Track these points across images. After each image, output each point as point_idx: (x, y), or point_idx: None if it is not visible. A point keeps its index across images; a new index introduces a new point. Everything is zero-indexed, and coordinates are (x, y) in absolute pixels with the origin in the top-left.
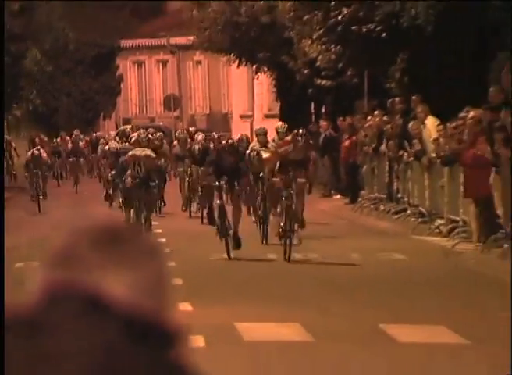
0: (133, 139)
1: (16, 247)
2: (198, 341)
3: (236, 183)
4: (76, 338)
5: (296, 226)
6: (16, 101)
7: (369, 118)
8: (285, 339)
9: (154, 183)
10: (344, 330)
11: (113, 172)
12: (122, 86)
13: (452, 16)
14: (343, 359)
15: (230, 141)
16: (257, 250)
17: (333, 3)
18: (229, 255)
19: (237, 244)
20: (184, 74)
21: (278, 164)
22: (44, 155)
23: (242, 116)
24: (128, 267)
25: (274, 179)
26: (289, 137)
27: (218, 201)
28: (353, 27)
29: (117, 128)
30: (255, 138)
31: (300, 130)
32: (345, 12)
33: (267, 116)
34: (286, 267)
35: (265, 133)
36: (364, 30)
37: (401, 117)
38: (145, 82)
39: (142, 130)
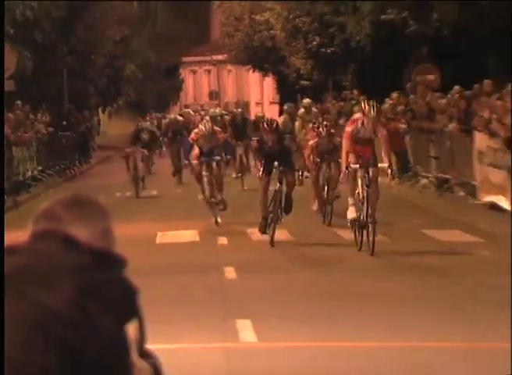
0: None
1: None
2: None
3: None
4: (57, 263)
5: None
6: (118, 96)
7: (334, 103)
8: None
9: (218, 158)
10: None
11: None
12: (183, 86)
13: (381, 40)
14: None
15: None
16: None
17: (310, 35)
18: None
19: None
20: (221, 78)
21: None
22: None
23: (256, 103)
24: (88, 222)
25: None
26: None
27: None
28: (322, 50)
29: (180, 111)
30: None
31: (324, 122)
32: (317, 40)
33: (271, 103)
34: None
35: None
36: (328, 51)
37: (350, 103)
38: (197, 83)
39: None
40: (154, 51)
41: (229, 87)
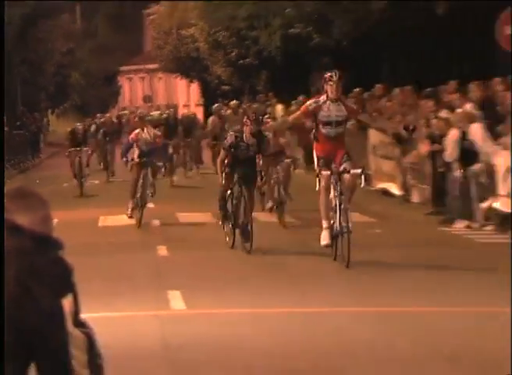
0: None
1: None
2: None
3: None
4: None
5: None
6: (65, 100)
7: (249, 104)
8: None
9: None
10: None
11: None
12: (121, 91)
13: (290, 51)
14: None
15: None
16: None
17: (229, 47)
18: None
19: None
20: (154, 84)
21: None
22: None
23: (184, 105)
24: (30, 211)
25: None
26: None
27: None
28: (239, 60)
29: (119, 112)
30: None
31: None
32: (235, 51)
33: (197, 105)
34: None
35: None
36: (245, 61)
37: (263, 104)
38: (133, 89)
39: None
40: (95, 61)
41: (160, 92)
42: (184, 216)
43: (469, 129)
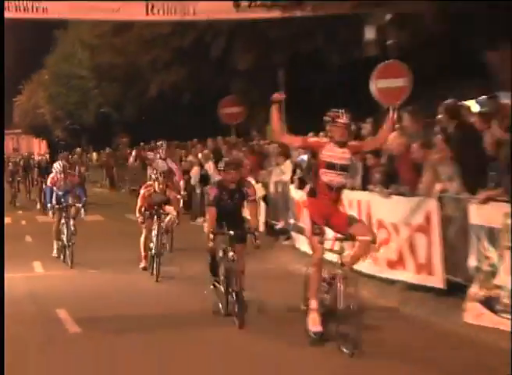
0: None
1: None
2: None
3: None
4: None
5: None
6: None
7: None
8: None
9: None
10: None
11: None
12: None
13: (101, 124)
14: None
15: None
16: None
17: (63, 119)
18: None
19: None
20: (19, 141)
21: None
22: None
23: (37, 153)
24: None
25: None
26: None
27: None
28: (70, 126)
29: None
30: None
31: None
32: (68, 122)
33: (44, 154)
34: None
35: None
36: (73, 126)
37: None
38: (6, 144)
39: None
40: None
41: (23, 146)
42: (41, 217)
43: (207, 164)
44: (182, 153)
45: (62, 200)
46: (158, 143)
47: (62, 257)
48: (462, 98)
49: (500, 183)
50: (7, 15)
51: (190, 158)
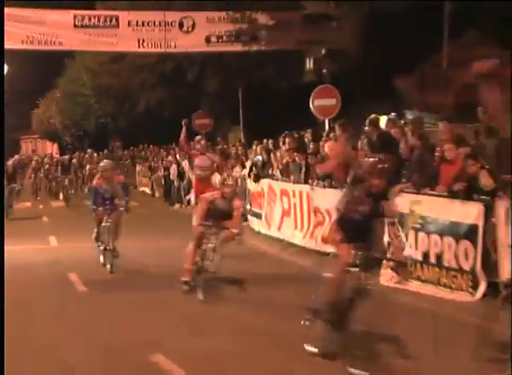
0: None
1: None
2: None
3: None
4: None
5: None
6: None
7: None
8: None
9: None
10: None
11: None
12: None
13: (99, 130)
14: None
15: None
16: None
17: (71, 127)
18: None
19: None
20: (36, 144)
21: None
22: None
23: (50, 154)
24: None
25: None
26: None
27: None
28: (76, 133)
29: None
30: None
31: None
32: (74, 129)
33: (56, 154)
34: None
35: None
36: (78, 132)
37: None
38: (26, 147)
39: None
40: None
41: (39, 148)
42: (57, 201)
43: (183, 163)
44: (163, 154)
45: (108, 202)
46: (197, 138)
47: (102, 259)
48: (378, 114)
49: (410, 179)
50: (30, 47)
51: (170, 158)
